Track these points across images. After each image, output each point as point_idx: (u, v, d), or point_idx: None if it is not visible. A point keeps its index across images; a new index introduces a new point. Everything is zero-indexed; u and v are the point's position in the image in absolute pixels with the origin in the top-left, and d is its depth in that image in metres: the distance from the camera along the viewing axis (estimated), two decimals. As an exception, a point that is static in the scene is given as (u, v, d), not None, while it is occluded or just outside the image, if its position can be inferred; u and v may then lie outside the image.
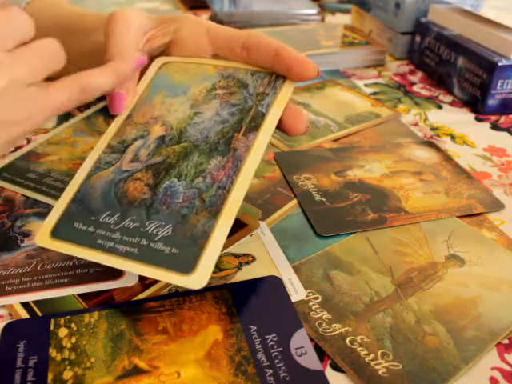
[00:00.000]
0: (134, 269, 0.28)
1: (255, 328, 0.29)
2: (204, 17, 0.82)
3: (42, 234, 0.30)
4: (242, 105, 0.34)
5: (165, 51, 0.41)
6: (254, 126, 0.33)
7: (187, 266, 0.27)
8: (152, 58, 0.40)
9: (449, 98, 0.60)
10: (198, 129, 0.33)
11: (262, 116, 0.33)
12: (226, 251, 0.34)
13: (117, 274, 0.32)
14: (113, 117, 0.40)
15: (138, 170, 0.32)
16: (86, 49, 0.49)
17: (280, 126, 0.35)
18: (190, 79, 0.37)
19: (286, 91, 0.34)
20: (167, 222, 0.29)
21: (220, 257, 0.34)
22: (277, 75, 0.36)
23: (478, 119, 0.55)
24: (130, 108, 0.36)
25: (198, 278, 0.27)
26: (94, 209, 0.31)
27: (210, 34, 0.39)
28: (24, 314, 0.30)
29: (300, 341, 0.28)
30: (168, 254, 0.28)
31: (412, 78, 0.66)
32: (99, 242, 0.29)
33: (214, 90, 0.36)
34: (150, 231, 0.29)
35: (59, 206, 0.31)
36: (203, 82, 0.37)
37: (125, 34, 0.38)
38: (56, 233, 0.30)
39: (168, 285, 0.32)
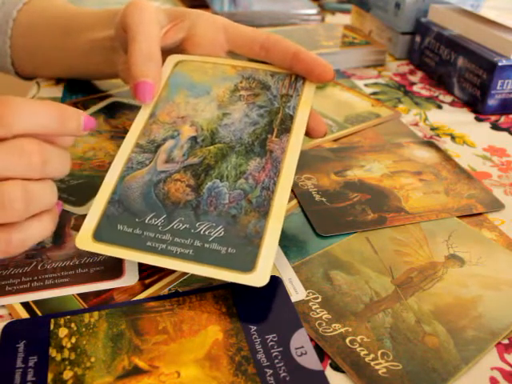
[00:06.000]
0: (192, 270, 0.28)
1: (255, 328, 0.29)
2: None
3: (82, 237, 0.30)
4: (269, 106, 0.35)
5: (178, 47, 0.40)
6: (285, 129, 0.34)
7: (247, 264, 0.28)
8: (164, 53, 0.39)
9: (449, 98, 0.60)
10: (230, 130, 0.34)
11: (291, 118, 0.34)
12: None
13: (117, 273, 0.32)
14: (113, 117, 0.40)
15: (175, 170, 0.32)
16: (82, 47, 0.49)
17: None
18: (210, 79, 0.37)
19: (309, 93, 0.36)
20: (218, 223, 0.30)
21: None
22: (296, 76, 0.36)
23: (477, 119, 0.55)
24: (152, 106, 0.36)
25: (260, 276, 0.28)
26: (135, 210, 0.30)
27: (227, 31, 0.39)
28: (24, 314, 0.30)
29: (300, 341, 0.28)
30: (225, 254, 0.29)
31: (412, 78, 0.66)
32: (149, 244, 0.29)
33: (237, 91, 0.36)
34: (201, 232, 0.29)
35: (96, 208, 0.31)
36: (224, 83, 0.37)
37: (149, 23, 0.37)
38: (99, 236, 0.30)
39: (168, 285, 0.32)
